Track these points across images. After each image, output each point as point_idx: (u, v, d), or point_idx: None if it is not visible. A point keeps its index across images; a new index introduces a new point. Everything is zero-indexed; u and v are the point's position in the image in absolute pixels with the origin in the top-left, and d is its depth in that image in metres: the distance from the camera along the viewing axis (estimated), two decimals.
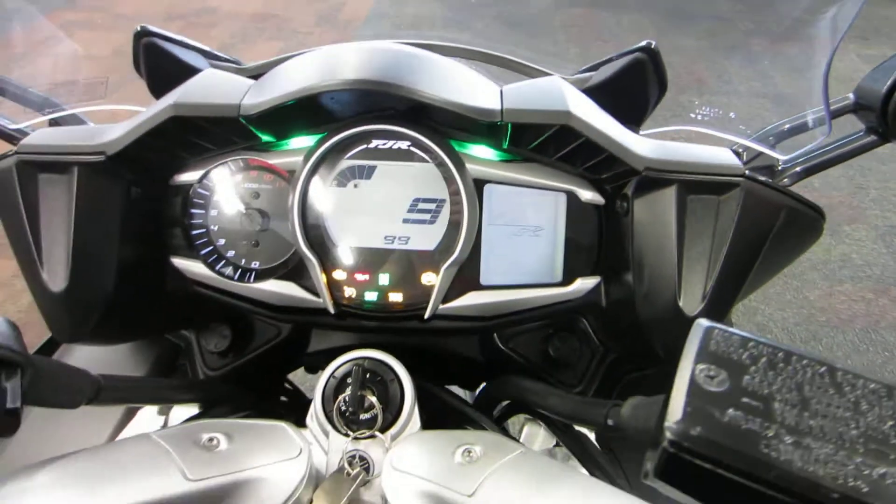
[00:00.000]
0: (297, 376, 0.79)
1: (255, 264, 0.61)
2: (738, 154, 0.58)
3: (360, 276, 0.60)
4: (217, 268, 0.61)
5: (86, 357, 0.67)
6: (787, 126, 0.69)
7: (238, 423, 0.45)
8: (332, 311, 0.59)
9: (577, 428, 0.59)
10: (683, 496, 0.25)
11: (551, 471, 0.39)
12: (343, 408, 0.49)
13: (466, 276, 0.60)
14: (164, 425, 0.60)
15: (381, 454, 0.47)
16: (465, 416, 0.57)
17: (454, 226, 0.58)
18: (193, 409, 0.60)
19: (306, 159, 0.58)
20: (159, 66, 0.69)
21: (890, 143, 0.61)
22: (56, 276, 0.53)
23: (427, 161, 0.58)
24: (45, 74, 0.82)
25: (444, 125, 0.58)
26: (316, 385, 0.52)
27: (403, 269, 0.59)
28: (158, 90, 0.70)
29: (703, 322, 0.29)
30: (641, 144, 0.53)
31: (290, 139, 0.60)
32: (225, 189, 0.61)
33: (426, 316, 0.59)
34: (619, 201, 0.56)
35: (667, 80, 0.66)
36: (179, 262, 0.61)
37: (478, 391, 1.16)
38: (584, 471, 0.52)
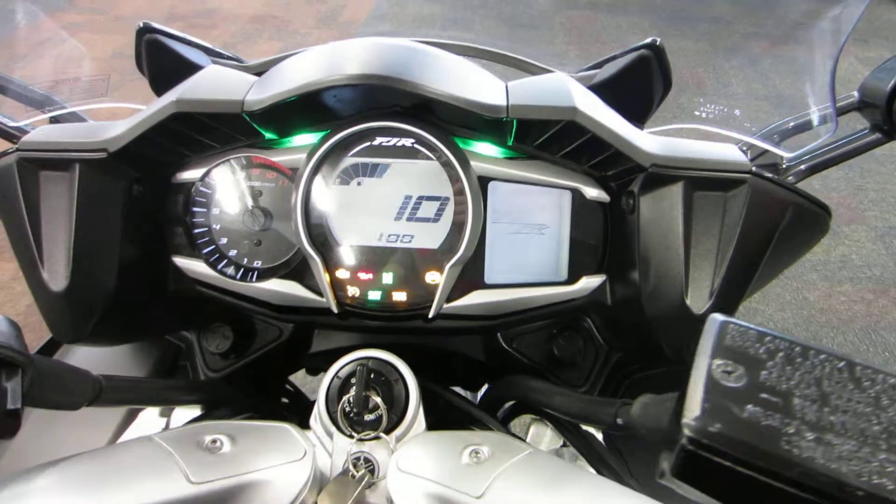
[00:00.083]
0: (297, 378, 0.79)
1: (258, 263, 0.61)
2: (742, 152, 0.57)
3: (363, 276, 0.59)
4: (219, 267, 0.60)
5: (86, 358, 0.67)
6: (791, 124, 0.68)
7: (241, 424, 0.45)
8: (335, 310, 0.59)
9: (584, 427, 0.58)
10: (702, 496, 0.25)
11: (561, 471, 0.39)
12: (347, 409, 0.48)
13: (470, 275, 0.59)
14: (166, 427, 0.59)
15: (386, 456, 0.47)
16: (470, 417, 0.56)
17: (458, 224, 0.58)
18: (195, 411, 0.59)
19: (309, 157, 0.57)
20: (162, 63, 0.69)
21: (894, 142, 0.61)
22: (56, 276, 0.52)
23: (431, 158, 0.58)
24: (47, 73, 0.82)
25: (448, 122, 0.57)
26: (318, 386, 0.51)
27: (407, 268, 0.59)
28: (160, 87, 0.70)
29: (718, 317, 0.28)
30: (648, 141, 0.52)
31: (293, 136, 0.60)
32: (227, 187, 0.60)
33: (430, 315, 0.58)
34: (625, 198, 0.55)
35: (671, 77, 0.66)
36: (181, 261, 0.61)
37: (482, 392, 1.16)
38: (592, 471, 0.52)
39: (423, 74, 0.50)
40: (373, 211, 0.59)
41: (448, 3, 4.52)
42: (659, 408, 0.35)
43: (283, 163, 0.59)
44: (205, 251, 0.60)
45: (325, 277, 0.58)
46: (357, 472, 0.45)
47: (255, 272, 0.60)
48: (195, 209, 0.61)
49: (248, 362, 0.65)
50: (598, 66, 0.70)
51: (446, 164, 0.57)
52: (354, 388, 0.48)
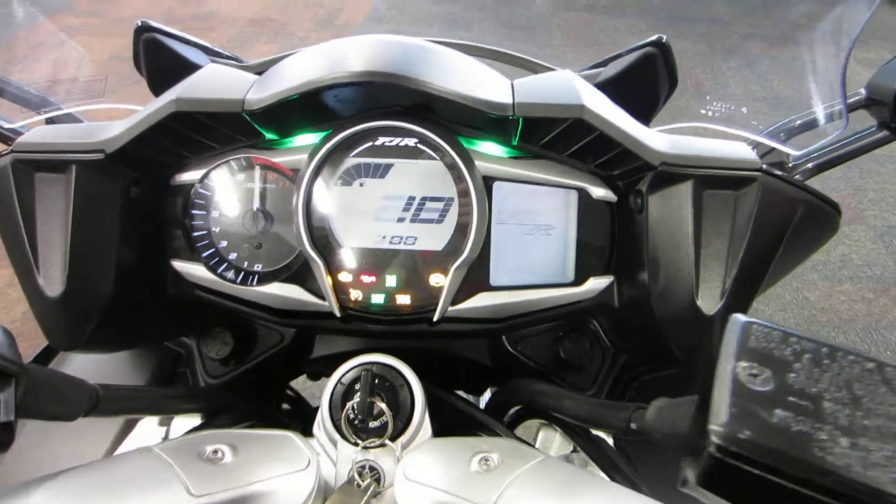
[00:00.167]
0: (297, 383, 0.77)
1: (258, 267, 0.59)
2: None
3: (366, 278, 0.58)
4: (219, 271, 0.59)
5: (83, 366, 0.65)
6: (797, 122, 0.68)
7: (243, 433, 0.43)
8: (337, 314, 0.57)
9: (595, 432, 0.57)
10: None
11: (575, 479, 0.38)
12: (351, 416, 0.47)
13: (476, 277, 0.58)
14: (166, 437, 0.58)
15: (392, 464, 0.45)
16: (476, 422, 0.55)
17: (463, 225, 0.57)
18: (195, 420, 0.58)
19: (311, 157, 0.56)
20: (160, 62, 0.68)
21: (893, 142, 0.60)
22: (52, 281, 0.51)
23: (434, 158, 0.57)
24: (44, 75, 0.81)
25: (452, 121, 0.56)
26: (321, 392, 0.50)
27: (411, 271, 0.58)
28: (158, 87, 0.69)
29: (741, 317, 0.27)
30: (656, 139, 0.51)
31: (293, 137, 0.58)
32: (227, 189, 0.59)
33: (435, 319, 0.57)
34: (633, 198, 0.54)
35: (677, 74, 0.65)
36: (180, 265, 0.59)
37: (487, 395, 1.15)
38: (604, 476, 0.50)
39: (426, 72, 0.49)
40: (375, 212, 0.58)
41: (446, 4, 4.52)
42: (675, 412, 0.34)
43: (284, 164, 0.58)
44: (204, 254, 0.59)
45: (328, 280, 0.57)
46: (363, 481, 0.44)
47: (256, 276, 0.59)
48: (194, 211, 0.59)
49: (249, 368, 0.64)
50: (603, 64, 0.69)
51: (450, 165, 0.56)
52: (359, 394, 0.47)
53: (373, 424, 0.47)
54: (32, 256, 0.51)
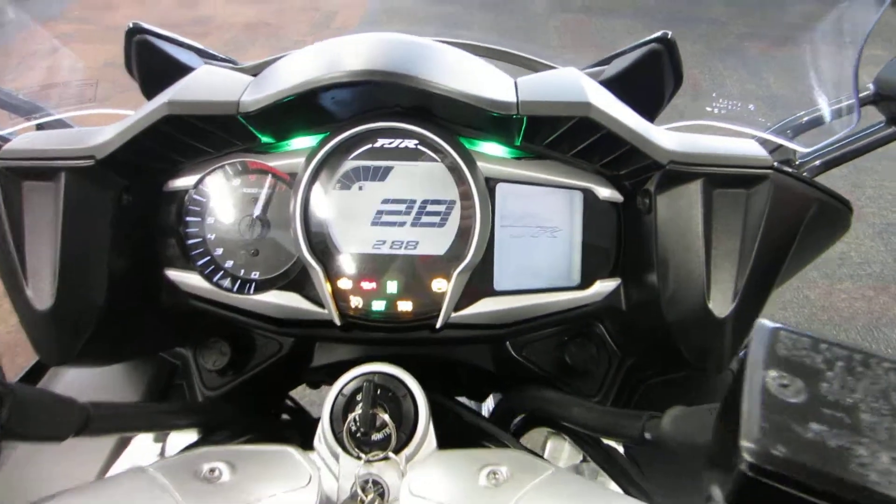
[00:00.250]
0: (297, 391, 0.76)
1: (255, 275, 0.58)
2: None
3: (366, 285, 0.56)
4: (214, 279, 0.57)
5: (76, 380, 0.63)
6: (804, 119, 0.67)
7: (241, 449, 0.42)
8: (337, 322, 0.56)
9: (605, 441, 0.55)
10: None
11: (586, 492, 0.36)
12: (353, 428, 0.45)
13: (479, 282, 0.56)
14: (161, 453, 0.56)
15: (396, 478, 0.44)
16: (481, 432, 0.53)
17: (465, 228, 0.55)
18: (192, 435, 0.56)
19: (308, 160, 0.55)
20: (152, 65, 0.66)
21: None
22: (42, 294, 0.49)
23: (435, 160, 0.55)
24: (36, 82, 0.79)
25: (453, 121, 0.55)
26: (322, 402, 0.48)
27: (412, 276, 0.56)
28: (151, 91, 0.67)
29: (767, 323, 0.26)
30: (665, 137, 0.50)
31: (290, 140, 0.57)
32: (222, 194, 0.58)
33: (438, 325, 0.56)
34: (641, 198, 0.53)
35: (682, 71, 0.64)
36: (174, 274, 0.58)
37: (490, 402, 1.13)
38: (616, 487, 0.49)
39: (427, 70, 0.47)
40: (375, 216, 0.56)
41: (442, 5, 4.52)
42: (693, 421, 0.33)
43: (281, 168, 0.57)
44: (199, 263, 0.58)
45: (327, 288, 0.55)
46: (366, 496, 0.42)
47: (253, 284, 0.58)
48: (189, 218, 0.58)
49: (247, 379, 0.62)
50: (606, 62, 0.68)
51: (452, 166, 0.55)
52: (361, 405, 0.46)
53: (375, 437, 0.46)
54: (21, 268, 0.49)
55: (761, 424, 0.22)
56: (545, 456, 0.51)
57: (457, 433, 0.53)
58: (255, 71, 0.59)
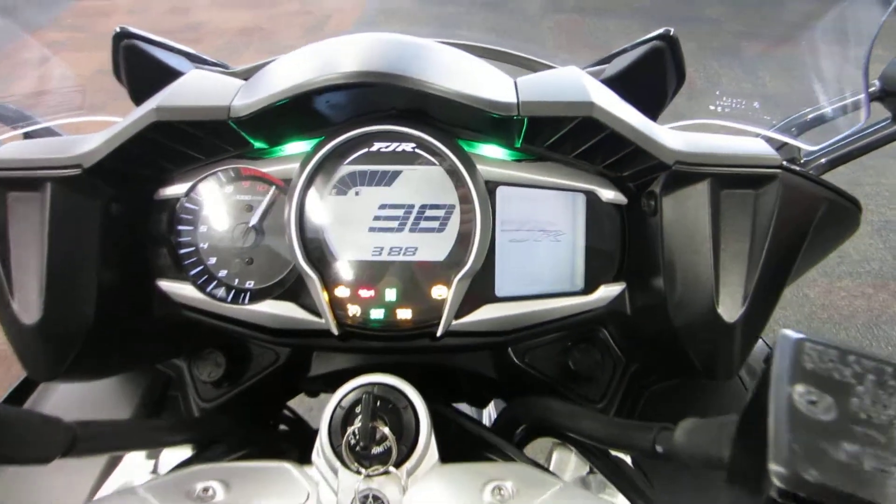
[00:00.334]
0: (297, 398, 0.74)
1: (250, 284, 0.56)
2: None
3: (364, 293, 0.55)
4: (208, 289, 0.56)
5: (67, 394, 0.62)
6: (809, 116, 0.65)
7: (235, 467, 0.40)
8: (335, 332, 0.54)
9: (613, 452, 0.54)
10: None
11: None
12: (352, 441, 0.44)
13: (480, 288, 0.55)
14: (154, 470, 0.54)
15: (397, 493, 0.42)
16: (485, 443, 0.52)
17: (465, 233, 0.54)
18: (185, 451, 0.54)
19: (303, 166, 0.53)
20: (141, 70, 0.64)
21: None
22: (28, 308, 0.47)
23: (434, 163, 0.54)
24: (25, 89, 0.78)
25: (451, 123, 0.53)
26: (321, 414, 0.47)
27: (411, 283, 0.55)
28: (140, 97, 0.65)
29: (791, 333, 0.24)
30: (670, 137, 0.49)
31: (284, 145, 0.56)
32: (215, 202, 0.56)
33: (438, 334, 0.54)
34: (645, 200, 0.52)
35: (685, 68, 0.62)
36: (166, 284, 0.56)
37: (489, 407, 1.11)
38: (623, 500, 0.47)
39: (424, 71, 0.46)
40: (373, 222, 0.55)
41: (438, 7, 4.52)
42: (708, 435, 0.31)
43: (275, 174, 0.55)
44: (192, 273, 0.56)
45: (324, 296, 0.54)
46: None
47: (248, 293, 0.56)
48: (181, 227, 0.56)
49: (243, 390, 0.61)
50: (606, 60, 0.67)
51: (450, 170, 0.54)
52: (360, 418, 0.44)
53: (375, 450, 0.44)
54: (6, 281, 0.48)
55: (791, 446, 0.20)
56: (551, 468, 0.50)
57: (459, 444, 0.52)
58: (246, 75, 0.58)
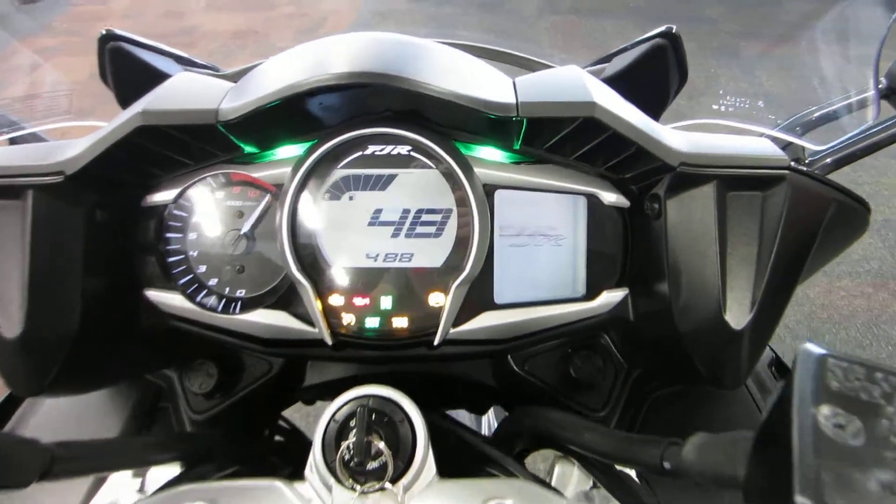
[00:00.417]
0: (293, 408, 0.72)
1: (241, 293, 0.54)
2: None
3: (359, 301, 0.53)
4: (198, 299, 0.54)
5: (54, 408, 0.60)
6: (815, 115, 0.64)
7: (225, 486, 0.38)
8: (329, 341, 0.53)
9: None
10: None
11: None
12: (347, 457, 0.42)
13: (479, 295, 0.54)
14: (141, 489, 0.52)
15: None
16: (485, 456, 0.50)
17: (463, 238, 0.52)
18: (174, 468, 0.53)
19: (295, 170, 0.52)
20: (127, 73, 0.62)
21: None
22: (10, 320, 0.45)
23: (430, 167, 0.53)
24: (13, 95, 0.76)
25: (448, 125, 0.52)
26: (315, 425, 0.45)
27: (408, 290, 0.53)
28: (127, 100, 0.64)
29: (812, 348, 0.23)
30: (674, 137, 0.47)
31: (275, 149, 0.54)
32: (204, 208, 0.55)
33: (435, 342, 0.53)
34: (649, 202, 0.50)
35: (687, 66, 0.61)
36: (154, 294, 0.54)
37: (490, 417, 1.09)
38: None
39: (419, 71, 0.44)
40: (367, 228, 0.53)
41: (434, 7, 4.51)
42: (720, 452, 0.30)
43: (266, 178, 0.54)
44: (181, 282, 0.54)
45: (317, 305, 0.52)
46: None
47: (239, 302, 0.54)
48: (169, 235, 0.54)
49: (236, 401, 0.59)
50: (607, 59, 0.65)
51: (447, 173, 0.52)
52: (354, 432, 0.42)
53: (371, 465, 0.42)
54: None
55: (818, 474, 0.19)
56: (553, 482, 0.48)
57: (458, 456, 0.50)
58: (236, 77, 0.56)
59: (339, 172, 0.53)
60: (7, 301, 0.46)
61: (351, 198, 0.53)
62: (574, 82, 0.47)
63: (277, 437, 0.71)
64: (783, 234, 0.46)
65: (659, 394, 0.60)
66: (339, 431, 0.44)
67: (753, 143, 0.48)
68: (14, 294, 0.46)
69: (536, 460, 0.60)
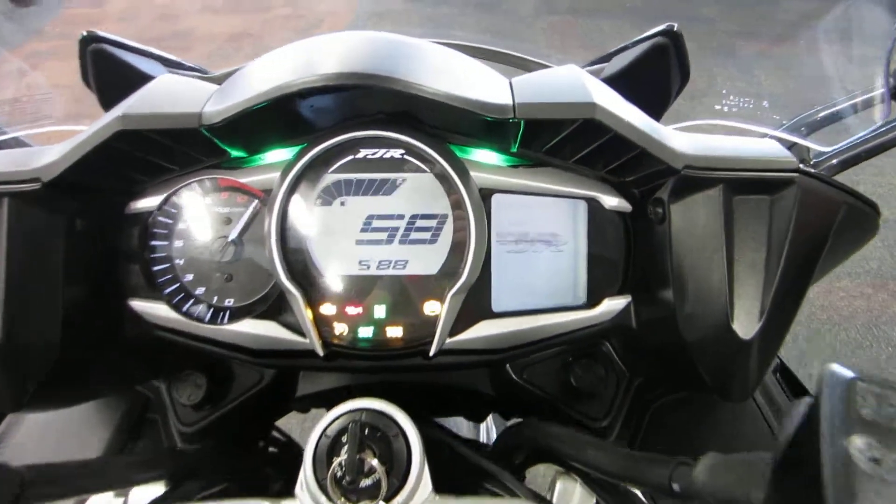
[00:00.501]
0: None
1: (229, 302, 0.53)
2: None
3: (351, 310, 0.51)
4: (184, 309, 0.52)
5: (39, 421, 0.58)
6: (820, 115, 0.62)
7: None
8: (320, 352, 0.51)
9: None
10: None
11: None
12: (339, 474, 0.40)
13: (476, 304, 0.52)
14: None
15: None
16: (483, 471, 0.48)
17: (459, 244, 0.51)
18: (158, 486, 0.50)
19: (284, 175, 0.50)
20: (110, 75, 0.61)
21: None
22: None
23: (424, 170, 0.51)
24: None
25: (442, 128, 0.50)
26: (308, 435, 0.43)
27: (402, 299, 0.52)
28: (110, 104, 0.62)
29: (840, 371, 0.21)
30: (678, 139, 0.45)
31: (264, 153, 0.52)
32: (191, 215, 0.53)
33: (431, 353, 0.51)
34: (652, 207, 0.48)
35: (689, 65, 0.59)
36: (139, 304, 0.52)
37: (489, 423, 1.07)
38: None
39: (412, 71, 0.43)
40: (360, 234, 0.51)
41: (430, 8, 4.51)
42: (735, 474, 0.28)
43: (254, 184, 0.52)
44: (167, 291, 0.52)
45: (308, 314, 0.50)
46: None
47: (227, 312, 0.52)
48: (154, 243, 0.53)
49: (226, 413, 0.57)
50: (606, 59, 0.63)
51: (441, 176, 0.50)
52: (347, 448, 0.41)
53: (364, 483, 0.41)
54: None
55: None
56: (554, 500, 0.46)
57: (454, 471, 0.48)
58: (224, 80, 0.54)
59: (329, 177, 0.51)
60: None
61: (342, 203, 0.51)
62: (573, 82, 0.45)
63: (272, 449, 0.69)
64: (793, 240, 0.44)
65: (662, 402, 0.58)
66: (330, 447, 0.42)
67: (760, 145, 0.47)
68: None
69: (538, 474, 0.59)
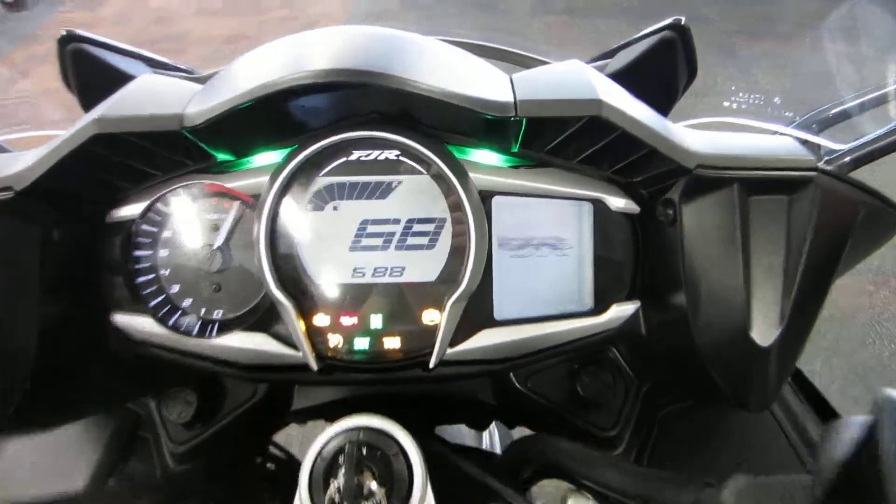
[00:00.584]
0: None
1: (218, 314, 0.50)
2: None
3: (346, 320, 0.49)
4: (170, 322, 0.50)
5: (25, 443, 0.55)
6: (832, 112, 0.60)
7: None
8: (314, 366, 0.48)
9: None
10: None
11: None
12: (336, 498, 0.38)
13: (477, 312, 0.50)
14: None
15: None
16: (488, 488, 0.46)
17: (458, 249, 0.48)
18: None
19: (273, 179, 0.48)
20: (90, 76, 0.58)
21: None
22: None
23: (421, 172, 0.49)
24: None
25: (439, 127, 0.48)
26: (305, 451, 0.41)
27: (399, 308, 0.49)
28: (91, 106, 0.59)
29: None
30: (689, 137, 0.43)
31: (252, 156, 0.50)
32: (175, 222, 0.51)
33: (431, 364, 0.48)
34: (661, 208, 0.46)
35: (696, 60, 0.57)
36: (122, 318, 0.50)
37: (493, 431, 1.05)
38: None
39: (407, 68, 0.40)
40: (354, 240, 0.49)
41: (422, 13, 4.50)
42: (769, 499, 0.26)
43: (242, 188, 0.49)
44: (152, 304, 0.50)
45: (300, 326, 0.48)
46: None
47: (216, 325, 0.50)
48: (138, 252, 0.50)
49: (219, 430, 0.54)
50: (610, 54, 0.61)
51: (439, 178, 0.48)
52: (344, 471, 0.38)
53: None
54: None
55: None
56: None
57: (459, 488, 0.46)
58: (208, 79, 0.52)
59: (321, 180, 0.49)
60: None
61: (335, 208, 0.49)
62: (577, 78, 0.43)
63: (270, 465, 0.67)
64: (812, 241, 0.42)
65: (670, 409, 0.56)
66: (327, 469, 0.41)
67: (776, 143, 0.44)
68: None
69: (546, 488, 0.56)
